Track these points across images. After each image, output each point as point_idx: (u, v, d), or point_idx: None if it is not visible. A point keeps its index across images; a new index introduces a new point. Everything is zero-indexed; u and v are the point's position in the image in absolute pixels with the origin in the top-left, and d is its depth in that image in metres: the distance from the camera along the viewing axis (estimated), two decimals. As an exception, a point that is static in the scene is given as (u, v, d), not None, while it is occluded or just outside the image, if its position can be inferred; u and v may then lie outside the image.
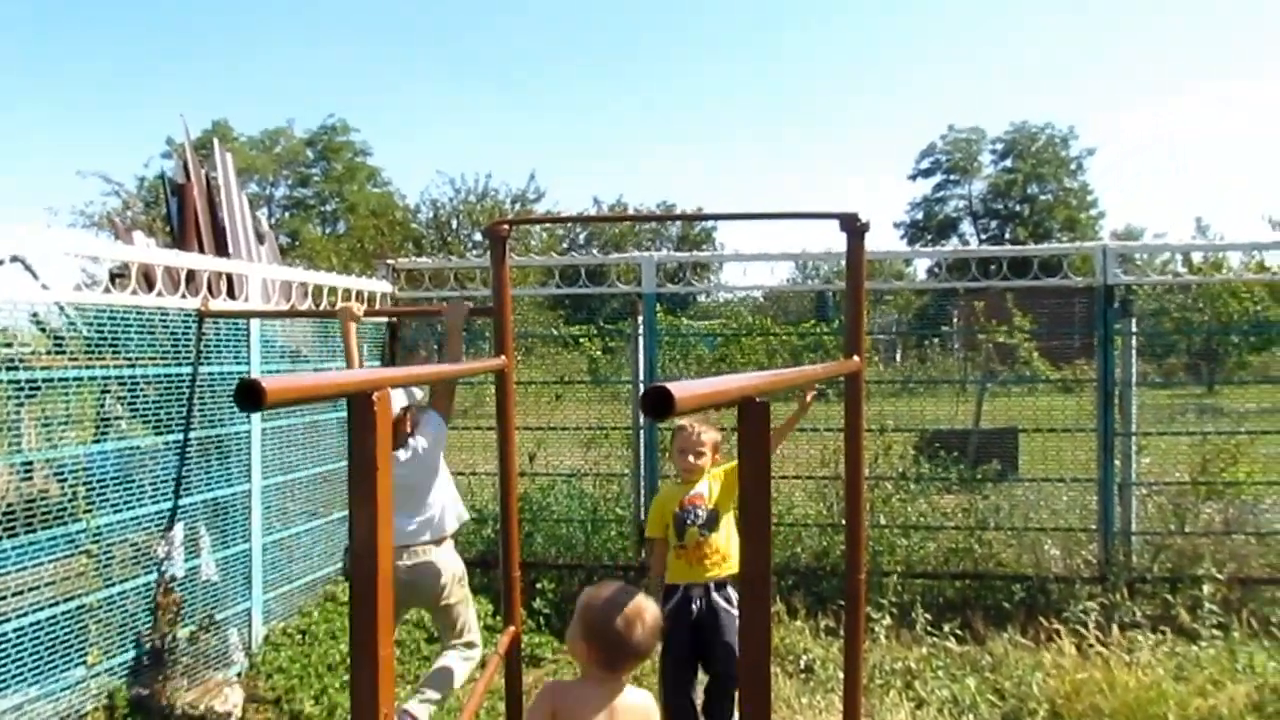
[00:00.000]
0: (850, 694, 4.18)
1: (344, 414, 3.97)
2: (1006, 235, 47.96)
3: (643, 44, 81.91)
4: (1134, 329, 5.96)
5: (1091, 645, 4.89)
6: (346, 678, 5.11)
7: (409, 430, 4.19)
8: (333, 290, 6.27)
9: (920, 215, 52.78)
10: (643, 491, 6.52)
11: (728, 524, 4.14)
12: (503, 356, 3.88)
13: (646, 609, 2.54)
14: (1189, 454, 6.57)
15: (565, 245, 34.88)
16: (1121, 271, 5.98)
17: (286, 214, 55.98)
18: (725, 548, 4.11)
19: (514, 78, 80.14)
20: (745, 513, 1.98)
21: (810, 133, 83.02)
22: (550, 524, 6.72)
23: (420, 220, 30.11)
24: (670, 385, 1.40)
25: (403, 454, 4.11)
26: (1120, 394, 5.98)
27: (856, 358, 4.02)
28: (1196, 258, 6.59)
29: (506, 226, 4.42)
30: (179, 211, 5.65)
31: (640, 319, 6.46)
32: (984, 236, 50.12)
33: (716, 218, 5.75)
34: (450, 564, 4.26)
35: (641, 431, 6.50)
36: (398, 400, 4.13)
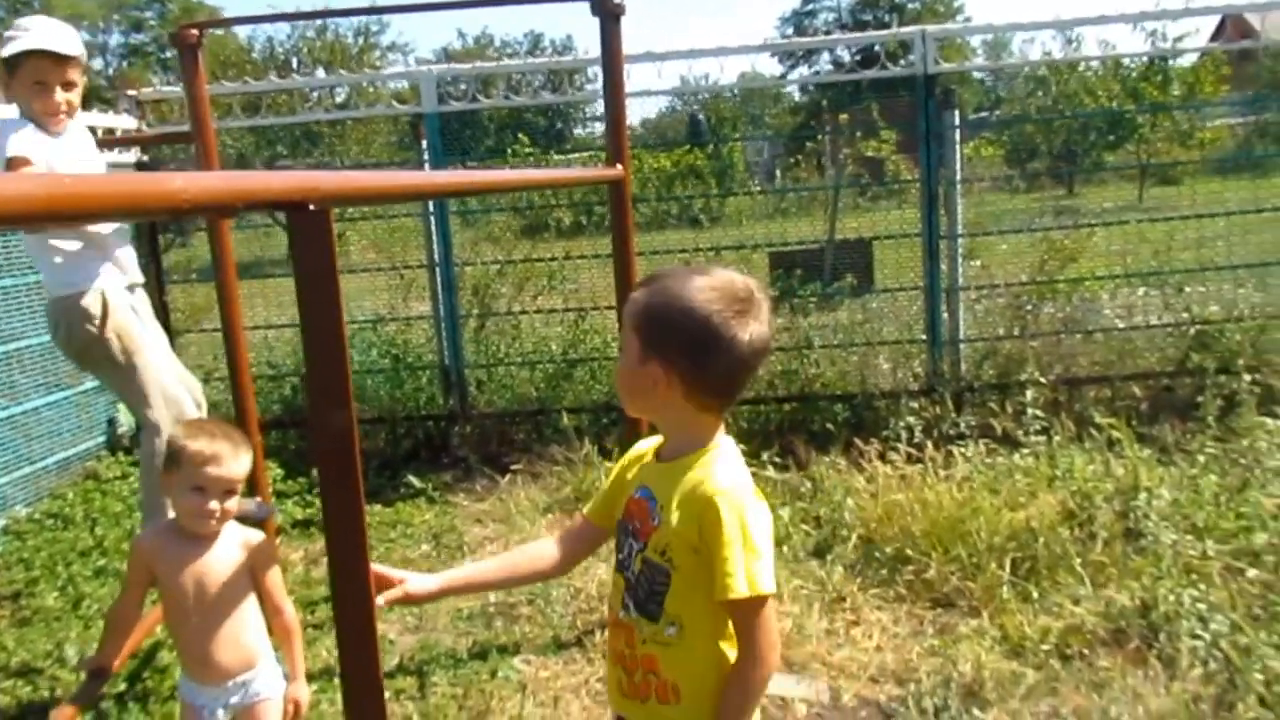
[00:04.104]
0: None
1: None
2: (877, 48, 47.03)
3: None
4: (956, 122, 5.47)
5: (905, 463, 4.60)
6: (100, 563, 4.56)
7: None
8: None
9: (790, 31, 51.46)
10: (443, 334, 5.93)
11: (699, 618, 1.66)
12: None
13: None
14: (1031, 256, 6.25)
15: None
16: (943, 61, 5.42)
17: (124, 63, 51.64)
18: (679, 665, 1.69)
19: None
20: (312, 367, 1.42)
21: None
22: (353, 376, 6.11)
23: (256, 59, 27.71)
24: None
25: None
26: (946, 194, 5.55)
27: (619, 166, 3.46)
28: (1045, 51, 5.99)
29: (196, 32, 3.64)
30: None
31: (424, 144, 5.70)
32: (853, 50, 49.26)
33: (458, 6, 4.98)
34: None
35: (438, 269, 5.84)
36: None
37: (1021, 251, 6.43)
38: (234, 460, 2.27)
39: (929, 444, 4.79)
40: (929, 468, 4.58)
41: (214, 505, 2.26)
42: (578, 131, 37.80)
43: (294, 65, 27.52)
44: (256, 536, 2.43)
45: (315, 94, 6.97)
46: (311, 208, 1.28)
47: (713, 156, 17.16)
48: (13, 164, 2.88)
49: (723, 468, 1.64)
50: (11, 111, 3.20)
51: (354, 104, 9.11)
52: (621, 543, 1.77)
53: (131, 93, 5.85)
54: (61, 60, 3.06)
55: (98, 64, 51.82)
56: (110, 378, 3.31)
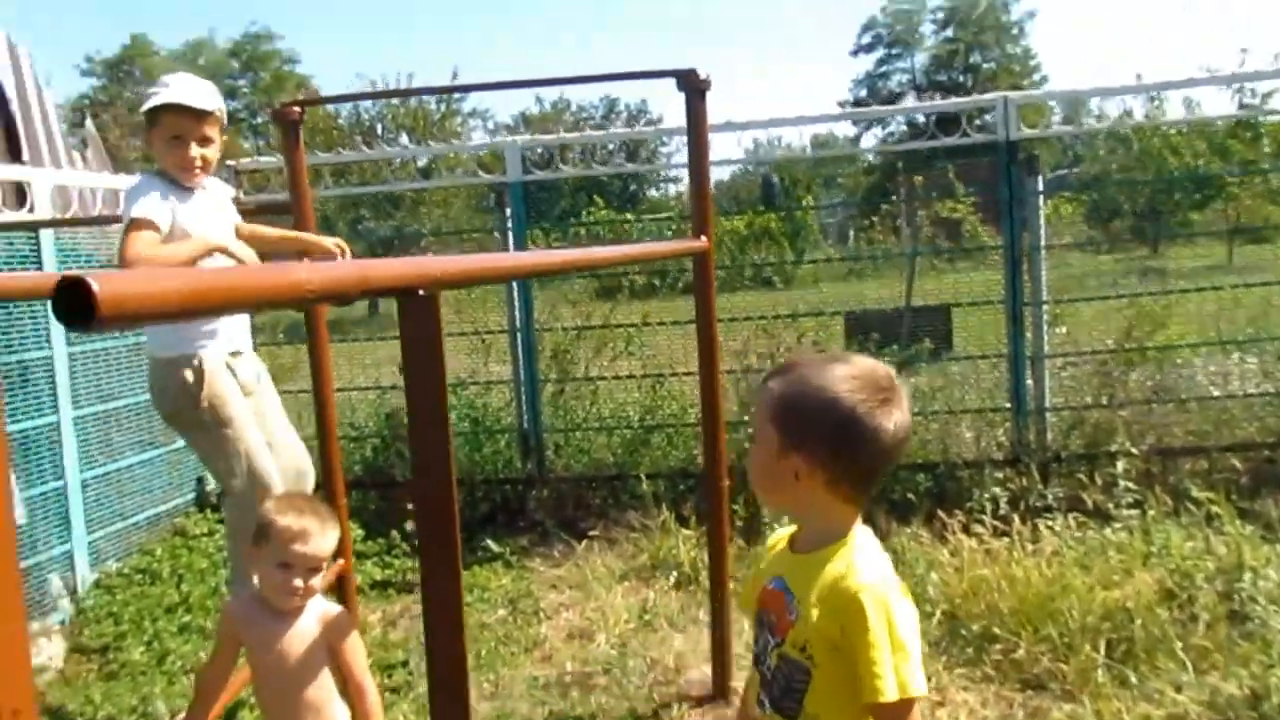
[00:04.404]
0: (718, 610, 3.77)
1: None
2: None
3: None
4: (1040, 188, 5.40)
5: (991, 536, 4.48)
6: (185, 620, 4.64)
7: None
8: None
9: (864, 92, 51.61)
10: (522, 398, 5.99)
11: (840, 718, 1.60)
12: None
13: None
14: (1119, 320, 6.09)
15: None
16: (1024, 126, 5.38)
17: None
18: None
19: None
20: (416, 441, 1.45)
21: (746, 16, 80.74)
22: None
23: (343, 125, 28.69)
24: (99, 275, 0.82)
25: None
26: (1029, 260, 5.47)
27: (704, 238, 3.48)
28: (1134, 112, 5.91)
29: (298, 109, 3.79)
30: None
31: (508, 211, 5.81)
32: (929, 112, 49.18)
33: (548, 83, 5.20)
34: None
35: (519, 334, 5.92)
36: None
37: (1107, 315, 6.27)
38: (320, 537, 2.28)
39: (1015, 516, 4.66)
40: (1016, 541, 4.44)
41: (298, 583, 2.27)
42: (651, 193, 38.26)
43: (378, 131, 28.45)
44: (339, 613, 2.44)
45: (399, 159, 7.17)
46: (421, 293, 1.32)
47: (786, 219, 17.21)
48: (136, 225, 2.90)
49: (864, 561, 1.59)
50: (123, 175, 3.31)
51: (436, 169, 9.36)
52: (758, 635, 1.72)
53: (230, 163, 6.09)
54: (199, 115, 3.09)
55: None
56: (199, 444, 3.25)
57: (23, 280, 2.38)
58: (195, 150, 3.10)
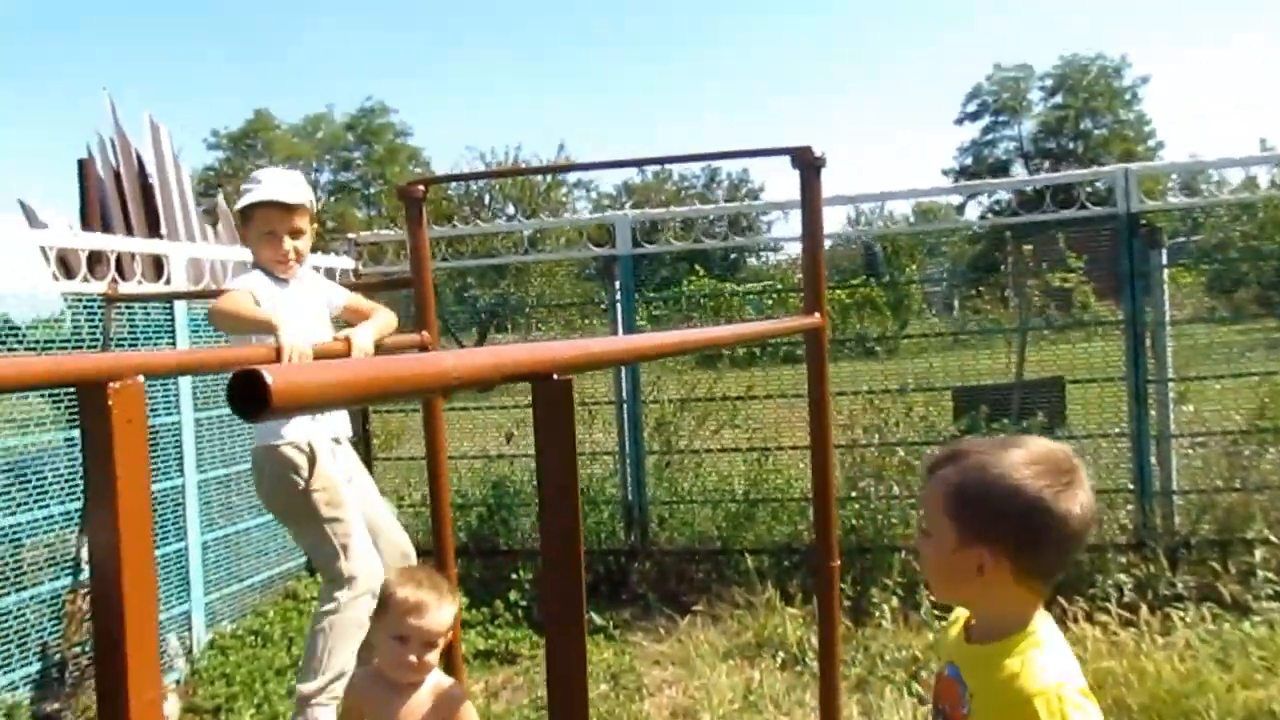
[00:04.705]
0: (827, 694, 3.64)
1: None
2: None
3: (669, 9, 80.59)
4: (1164, 262, 5.22)
5: (1117, 626, 4.26)
6: (292, 683, 4.70)
7: None
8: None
9: (969, 160, 51.14)
10: (627, 469, 5.99)
11: None
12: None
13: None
14: (1250, 397, 5.80)
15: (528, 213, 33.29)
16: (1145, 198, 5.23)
17: (332, 199, 56.35)
18: None
19: (544, 49, 79.45)
20: (546, 520, 1.46)
21: (854, 86, 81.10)
22: (532, 508, 6.23)
23: (452, 197, 29.69)
24: (271, 368, 0.86)
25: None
26: (1153, 336, 5.27)
27: (817, 314, 3.45)
28: (1259, 179, 5.72)
29: (422, 187, 3.91)
30: (81, 191, 5.22)
31: (617, 284, 5.89)
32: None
33: (659, 161, 5.36)
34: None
35: (625, 406, 5.95)
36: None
37: (1236, 392, 5.96)
38: (438, 611, 2.26)
39: (1143, 605, 4.43)
40: (1144, 632, 4.23)
41: (412, 657, 2.25)
42: (751, 261, 38.42)
43: (486, 202, 29.35)
44: (452, 686, 2.42)
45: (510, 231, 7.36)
46: (555, 377, 1.34)
47: (888, 287, 17.02)
48: (222, 291, 2.99)
49: (1043, 659, 1.48)
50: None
51: (542, 240, 9.57)
52: (937, 713, 1.65)
53: (351, 236, 6.34)
54: (289, 209, 3.19)
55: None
56: (306, 531, 3.18)
57: (206, 358, 2.49)
58: (288, 244, 3.19)
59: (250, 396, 0.83)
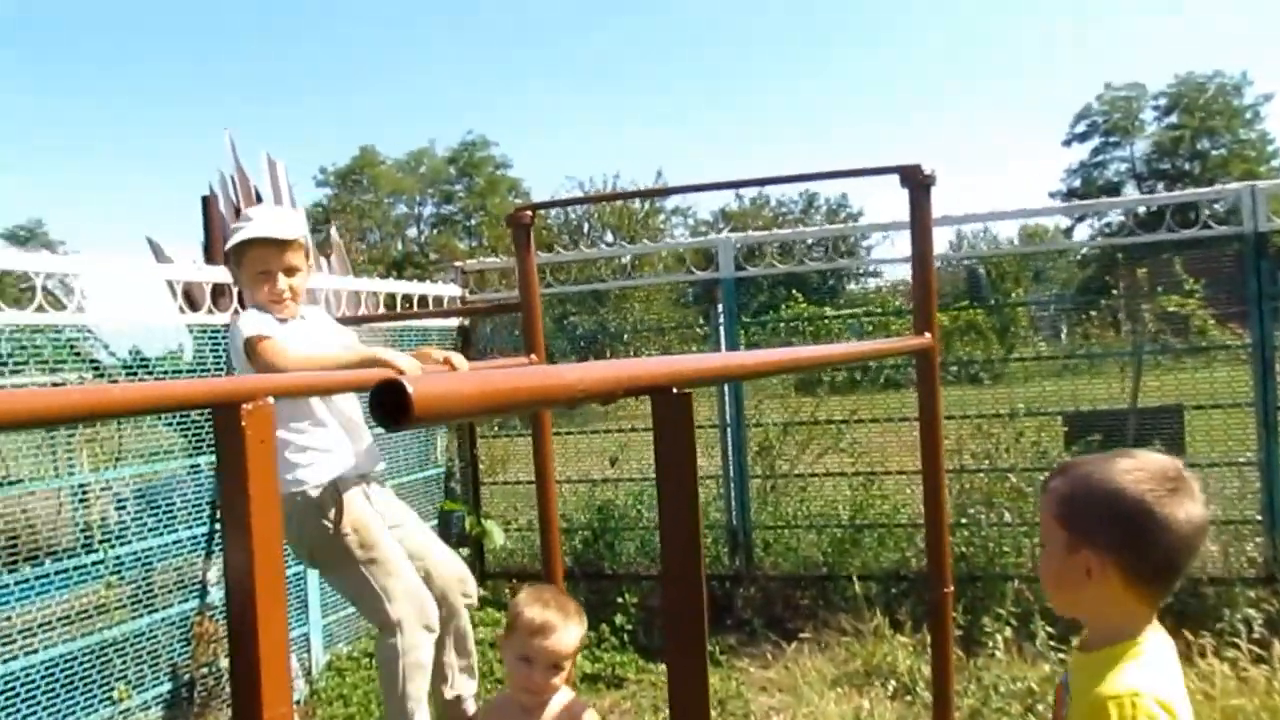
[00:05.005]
0: (940, 726, 3.56)
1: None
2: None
3: (770, 35, 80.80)
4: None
5: (1248, 662, 4.07)
6: (406, 704, 4.81)
7: None
8: (407, 297, 6.20)
9: (1078, 182, 49.76)
10: (732, 493, 5.98)
11: None
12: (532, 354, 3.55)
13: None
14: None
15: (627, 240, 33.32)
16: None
17: (435, 231, 57.83)
18: None
19: (644, 78, 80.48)
20: (668, 535, 1.48)
21: (952, 108, 79.89)
22: (638, 531, 6.26)
23: (551, 225, 30.23)
24: (417, 379, 0.91)
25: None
26: (1282, 360, 5.05)
27: (928, 335, 3.41)
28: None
29: (529, 213, 4.01)
30: (205, 227, 5.50)
31: (720, 307, 5.92)
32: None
33: (767, 182, 5.37)
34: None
35: (729, 430, 5.95)
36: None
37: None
38: (563, 632, 2.24)
39: (1275, 641, 4.22)
40: (1276, 669, 4.03)
41: (537, 678, 2.24)
42: (850, 286, 38.09)
43: (585, 229, 29.76)
44: (579, 706, 2.40)
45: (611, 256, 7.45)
46: (675, 390, 1.36)
47: (993, 312, 16.63)
48: (255, 341, 2.82)
49: (1135, 669, 1.50)
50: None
51: (641, 266, 9.66)
52: None
53: (457, 264, 6.52)
54: (282, 245, 3.02)
55: (412, 231, 58.51)
56: (343, 577, 3.04)
57: (335, 380, 2.53)
58: (283, 282, 3.03)
59: (393, 407, 0.88)
